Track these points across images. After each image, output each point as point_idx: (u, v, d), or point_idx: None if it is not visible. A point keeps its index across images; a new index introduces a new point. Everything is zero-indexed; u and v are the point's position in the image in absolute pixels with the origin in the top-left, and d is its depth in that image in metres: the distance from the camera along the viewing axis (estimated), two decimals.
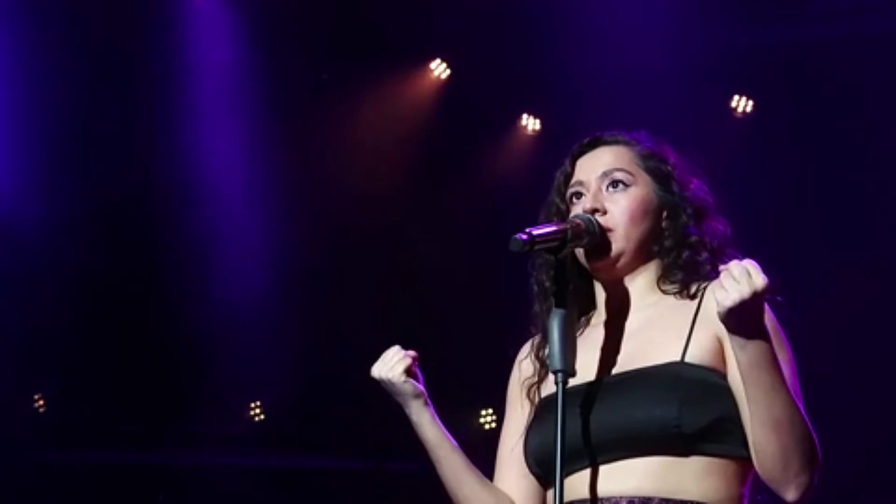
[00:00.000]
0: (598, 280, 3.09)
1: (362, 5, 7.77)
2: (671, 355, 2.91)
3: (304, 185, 8.12)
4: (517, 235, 2.86)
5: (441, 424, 3.13)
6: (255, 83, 7.89)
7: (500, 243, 2.98)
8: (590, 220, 2.99)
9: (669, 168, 3.09)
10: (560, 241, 2.92)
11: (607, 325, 3.04)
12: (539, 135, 8.26)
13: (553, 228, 2.93)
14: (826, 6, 7.38)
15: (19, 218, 7.71)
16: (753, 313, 2.71)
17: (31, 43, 7.46)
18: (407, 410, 3.14)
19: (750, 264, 2.72)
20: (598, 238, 2.99)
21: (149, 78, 7.75)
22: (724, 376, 2.89)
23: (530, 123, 8.30)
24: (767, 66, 7.62)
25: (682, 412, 2.82)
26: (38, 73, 7.55)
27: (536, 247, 2.88)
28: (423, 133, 8.24)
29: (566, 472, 2.83)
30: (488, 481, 3.13)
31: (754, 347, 2.73)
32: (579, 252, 3.01)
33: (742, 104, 7.87)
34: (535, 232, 2.88)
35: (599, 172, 3.07)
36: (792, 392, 2.79)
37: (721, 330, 2.84)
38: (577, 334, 3.01)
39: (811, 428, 2.81)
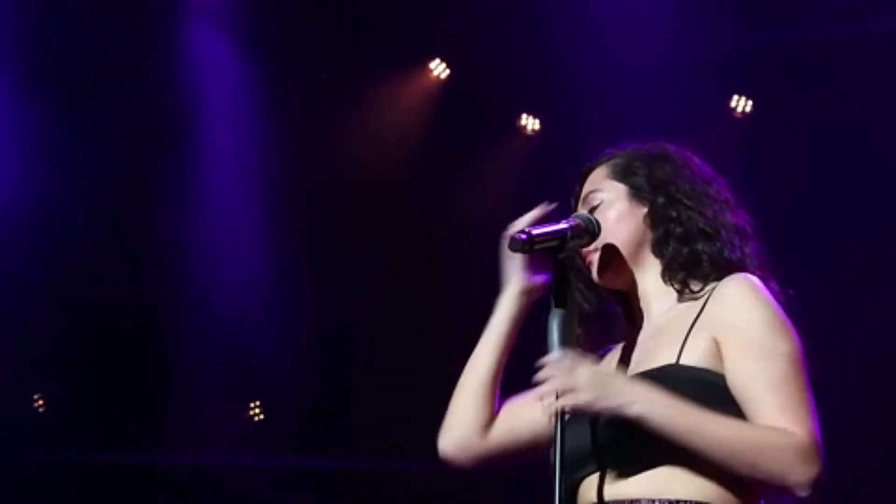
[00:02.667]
0: (613, 298, 3.10)
1: (362, 5, 7.77)
2: (668, 359, 2.91)
3: (304, 184, 8.12)
4: (517, 235, 2.87)
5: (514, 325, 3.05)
6: (254, 83, 7.90)
7: (500, 243, 2.98)
8: (590, 219, 3.00)
9: (652, 172, 3.07)
10: (560, 241, 2.92)
11: (627, 337, 3.06)
12: (539, 135, 8.26)
13: (552, 228, 2.93)
14: (826, 6, 7.38)
15: (19, 219, 7.71)
16: (603, 403, 2.74)
17: (33, 45, 7.46)
18: (508, 283, 3.03)
19: (552, 380, 2.75)
20: (598, 237, 3.00)
21: (149, 78, 7.75)
22: (722, 376, 2.88)
23: (530, 123, 8.30)
24: (767, 66, 7.62)
25: None
26: (40, 76, 7.55)
27: (536, 247, 2.88)
28: (422, 133, 8.24)
29: (578, 478, 2.88)
30: (491, 398, 3.08)
31: (642, 416, 2.75)
32: (594, 274, 3.03)
33: (742, 104, 7.87)
34: (535, 232, 2.89)
35: (581, 200, 3.10)
36: (795, 383, 2.82)
37: (717, 332, 2.87)
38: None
39: (769, 432, 2.78)
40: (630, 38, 7.35)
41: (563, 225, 2.95)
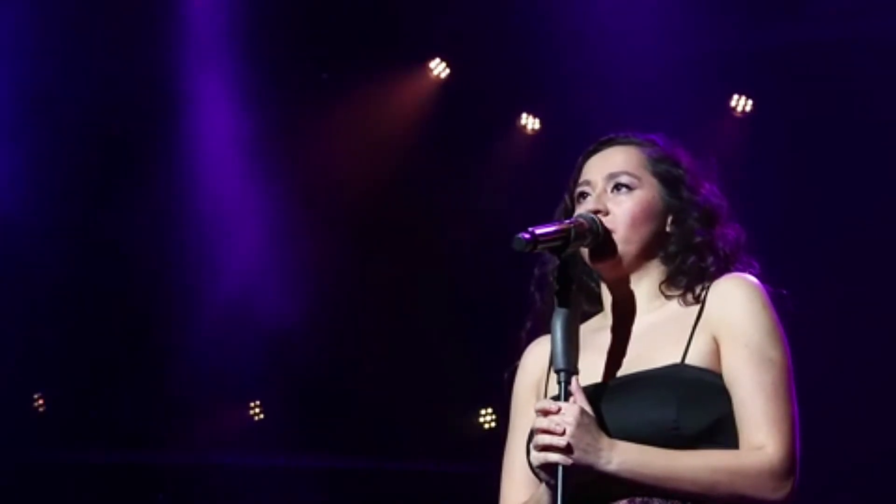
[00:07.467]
0: (603, 281, 3.09)
1: (362, 5, 7.77)
2: (672, 358, 2.92)
3: (304, 183, 8.12)
4: (520, 235, 2.85)
5: None
6: (254, 82, 7.90)
7: (500, 242, 2.98)
8: (593, 219, 2.98)
9: (680, 172, 3.07)
10: (563, 241, 2.91)
11: (613, 328, 3.04)
12: (539, 134, 8.26)
13: (556, 228, 2.92)
14: (826, 6, 7.39)
15: (20, 220, 7.71)
16: (584, 461, 2.77)
17: (33, 44, 7.47)
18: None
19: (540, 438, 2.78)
20: (601, 238, 2.98)
21: (148, 76, 7.75)
22: (721, 376, 2.91)
23: (530, 123, 8.30)
24: (767, 66, 7.63)
25: (681, 414, 2.84)
26: (39, 76, 7.56)
27: (539, 246, 2.87)
28: (422, 133, 8.24)
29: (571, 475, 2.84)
30: None
31: (618, 472, 2.79)
32: (584, 251, 3.00)
33: (742, 104, 7.87)
34: (538, 231, 2.88)
35: (606, 173, 3.06)
36: (783, 393, 2.86)
37: (718, 331, 2.90)
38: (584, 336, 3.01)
39: (743, 458, 2.83)
40: (630, 38, 7.36)
41: (566, 224, 2.94)
